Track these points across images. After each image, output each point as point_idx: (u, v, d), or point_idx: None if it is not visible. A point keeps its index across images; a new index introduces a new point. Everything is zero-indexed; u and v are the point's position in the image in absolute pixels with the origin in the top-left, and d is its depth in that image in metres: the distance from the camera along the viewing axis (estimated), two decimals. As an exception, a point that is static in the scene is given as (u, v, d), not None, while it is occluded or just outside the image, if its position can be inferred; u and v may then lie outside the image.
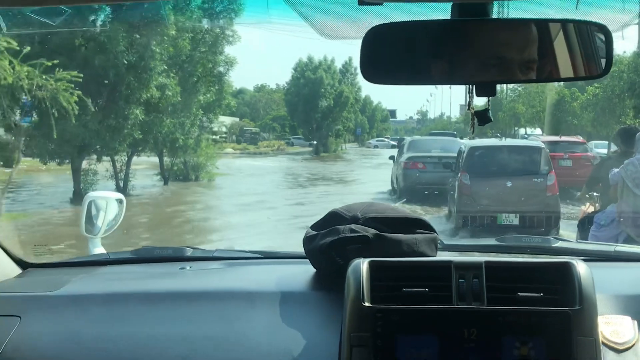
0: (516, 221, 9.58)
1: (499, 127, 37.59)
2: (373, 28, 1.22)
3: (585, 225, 6.41)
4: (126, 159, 17.64)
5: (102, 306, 1.63)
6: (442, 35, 1.26)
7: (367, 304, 1.36)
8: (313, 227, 1.73)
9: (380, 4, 1.22)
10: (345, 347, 1.34)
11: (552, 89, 28.98)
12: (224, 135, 45.82)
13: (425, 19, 1.24)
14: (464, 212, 10.19)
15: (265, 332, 1.49)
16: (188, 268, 1.91)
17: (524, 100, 31.27)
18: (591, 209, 6.67)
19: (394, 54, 1.26)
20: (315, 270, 1.71)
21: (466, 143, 12.67)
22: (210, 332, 1.51)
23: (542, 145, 11.76)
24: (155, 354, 1.45)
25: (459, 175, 11.01)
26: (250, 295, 1.61)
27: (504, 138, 29.65)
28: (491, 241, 2.05)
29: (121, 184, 17.20)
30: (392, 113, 72.34)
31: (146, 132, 16.63)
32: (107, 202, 2.33)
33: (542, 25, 1.23)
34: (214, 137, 42.40)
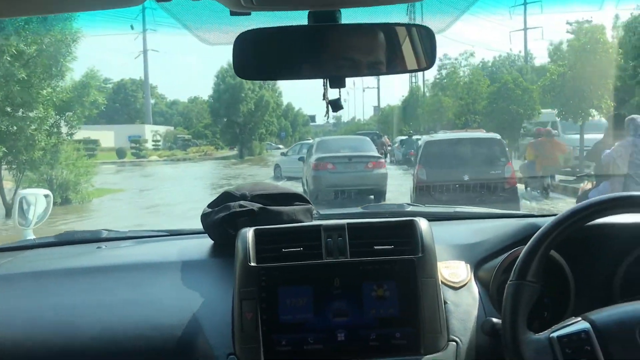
0: (475, 214, 9.28)
1: (420, 124, 35.38)
2: (242, 33, 1.37)
3: (582, 200, 6.87)
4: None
5: (30, 282, 1.73)
6: (300, 38, 1.41)
7: (252, 264, 1.52)
8: (209, 205, 1.88)
9: (248, 14, 1.37)
10: (236, 300, 1.50)
11: (481, 78, 26.68)
12: (158, 143, 44.96)
13: (287, 24, 1.40)
14: (421, 207, 9.84)
15: (170, 293, 1.63)
16: (104, 247, 2.02)
17: (451, 92, 28.64)
18: (589, 186, 7.11)
19: (261, 55, 1.40)
20: (212, 241, 1.86)
21: (423, 138, 12.21)
22: (123, 297, 1.63)
23: (499, 137, 11.53)
24: (77, 320, 1.56)
25: (415, 169, 10.63)
26: (157, 265, 1.75)
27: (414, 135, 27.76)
28: (357, 209, 2.26)
29: None
30: (312, 118, 73.11)
31: None
32: (36, 197, 2.50)
33: (382, 28, 1.42)
34: (147, 144, 40.37)
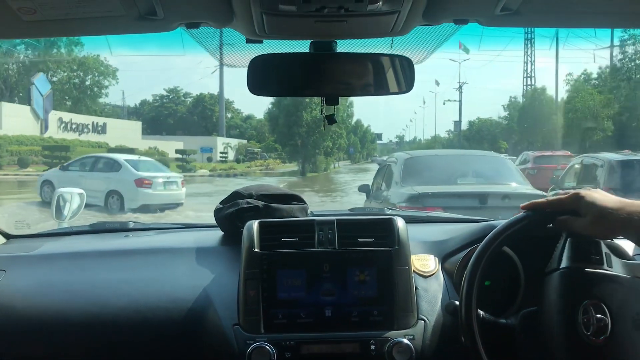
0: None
1: (557, 135, 30.23)
2: (255, 57, 1.61)
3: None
4: None
5: (67, 261, 1.97)
6: (302, 63, 1.64)
7: (256, 250, 1.75)
8: (221, 202, 2.12)
9: (261, 41, 1.62)
10: (242, 280, 1.73)
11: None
12: (225, 155, 44.17)
13: (293, 51, 1.63)
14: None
15: (186, 273, 1.86)
16: (130, 235, 2.25)
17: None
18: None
19: (270, 75, 1.63)
20: (223, 233, 2.09)
21: (601, 157, 9.36)
22: (145, 275, 1.87)
23: None
24: (106, 292, 1.80)
25: None
26: (175, 250, 1.99)
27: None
28: (345, 211, 2.50)
29: None
30: (379, 136, 74.10)
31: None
32: (71, 195, 2.79)
33: (370, 57, 1.64)
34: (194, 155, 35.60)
